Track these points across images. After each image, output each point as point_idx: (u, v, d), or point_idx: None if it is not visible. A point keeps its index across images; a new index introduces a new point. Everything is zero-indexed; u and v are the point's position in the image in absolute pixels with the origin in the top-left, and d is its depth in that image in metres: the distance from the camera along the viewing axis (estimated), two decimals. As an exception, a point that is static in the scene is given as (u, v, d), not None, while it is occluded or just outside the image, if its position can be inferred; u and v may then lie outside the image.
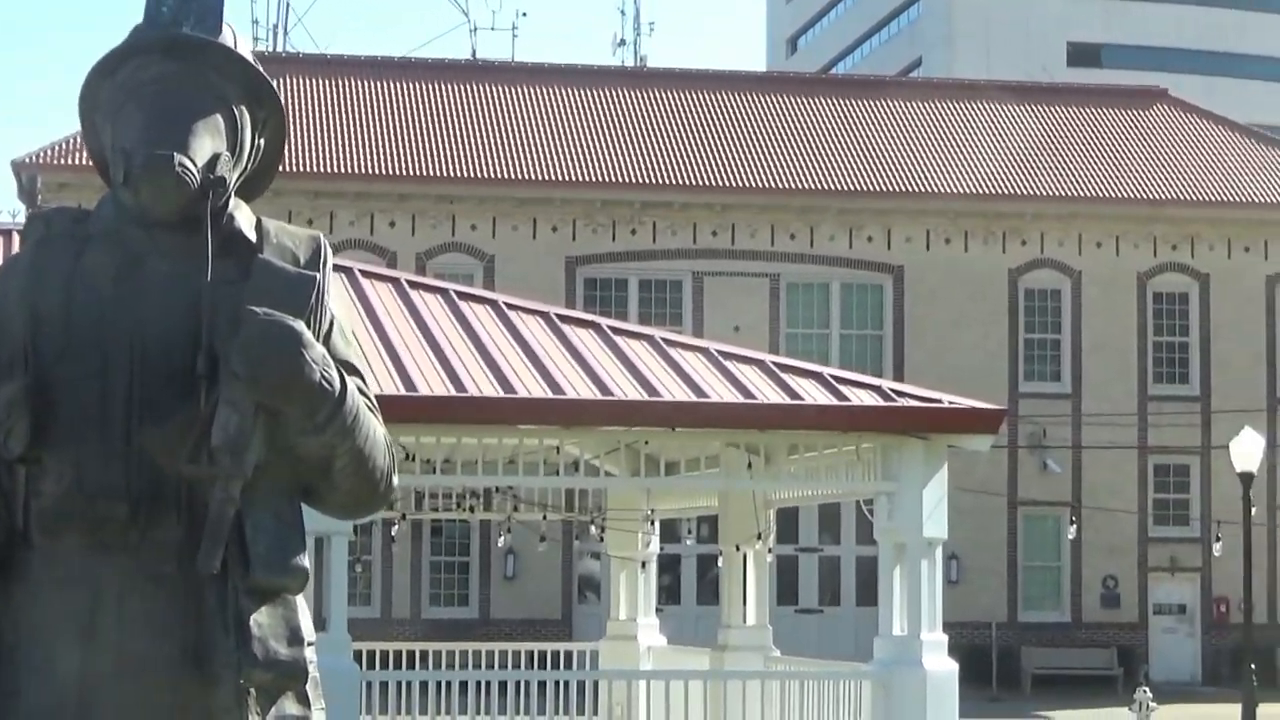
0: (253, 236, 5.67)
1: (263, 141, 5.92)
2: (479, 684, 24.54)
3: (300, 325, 5.41)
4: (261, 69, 5.86)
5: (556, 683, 27.53)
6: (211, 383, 5.37)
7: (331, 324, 5.68)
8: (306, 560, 5.68)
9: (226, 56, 5.77)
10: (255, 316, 5.36)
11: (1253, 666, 42.23)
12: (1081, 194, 62.61)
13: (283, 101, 5.89)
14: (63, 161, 55.34)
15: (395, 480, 5.79)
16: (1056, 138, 65.94)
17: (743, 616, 27.78)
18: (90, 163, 5.86)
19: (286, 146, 5.79)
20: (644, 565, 30.87)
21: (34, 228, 5.75)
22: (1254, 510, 45.76)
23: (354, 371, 5.61)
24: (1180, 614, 62.91)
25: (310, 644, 5.68)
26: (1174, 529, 62.68)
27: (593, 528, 33.83)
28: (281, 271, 5.60)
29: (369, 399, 5.63)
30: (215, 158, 5.60)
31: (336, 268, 22.07)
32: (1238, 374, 62.60)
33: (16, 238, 23.49)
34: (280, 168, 5.95)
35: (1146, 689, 44.22)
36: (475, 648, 31.51)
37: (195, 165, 5.49)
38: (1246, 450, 43.30)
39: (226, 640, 5.45)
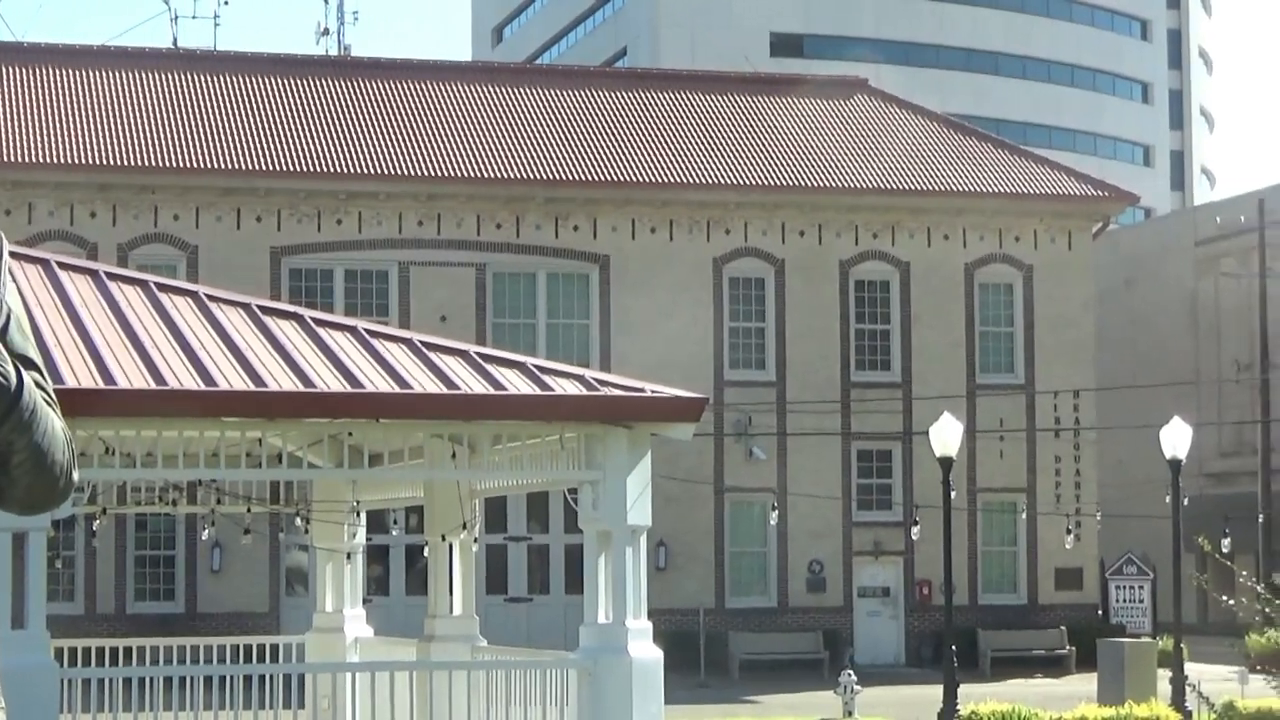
0: (-75, 230, 5.58)
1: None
2: (184, 679, 24.28)
3: (-30, 323, 5.35)
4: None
5: (262, 677, 27.39)
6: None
7: (8, 318, 5.60)
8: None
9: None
10: (-75, 311, 5.29)
11: (953, 648, 42.85)
12: (784, 183, 63.23)
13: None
14: None
15: (75, 475, 5.70)
16: (759, 127, 66.52)
17: (450, 607, 27.80)
18: None
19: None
20: (350, 557, 30.77)
21: None
22: (953, 494, 46.46)
23: (31, 365, 5.52)
24: (884, 597, 63.80)
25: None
26: (877, 513, 63.57)
27: (298, 520, 33.71)
28: (-49, 263, 5.52)
29: (47, 393, 5.55)
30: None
31: (34, 259, 21.81)
32: (937, 360, 63.63)
33: None
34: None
35: (851, 672, 44.84)
36: (181, 643, 31.18)
37: None
38: (945, 435, 43.91)
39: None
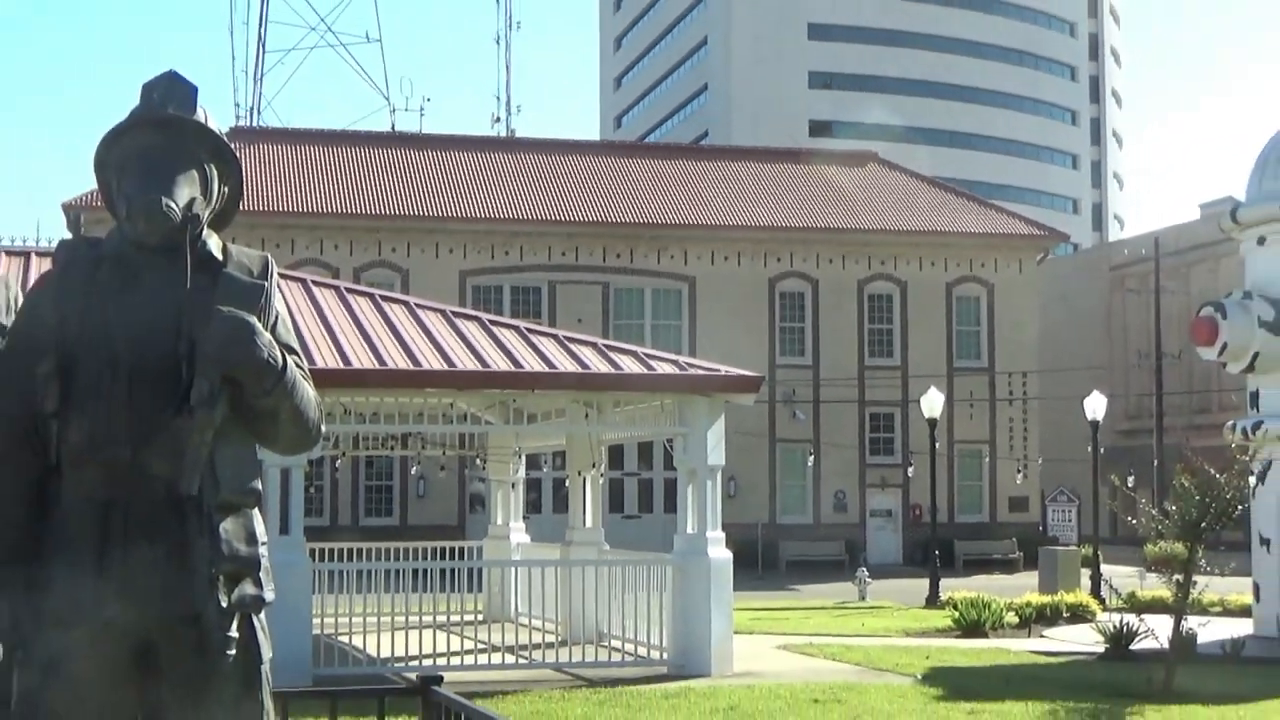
0: (220, 257, 5.68)
1: (226, 189, 5.90)
2: (398, 572, 24.46)
3: (253, 319, 5.45)
4: (224, 138, 5.84)
5: (453, 570, 27.58)
6: (190, 361, 5.38)
7: (276, 318, 5.71)
8: (260, 485, 5.69)
9: (199, 129, 5.76)
10: (221, 313, 5.40)
11: (936, 552, 42.74)
12: (818, 226, 62.91)
13: (245, 160, 5.90)
14: (99, 204, 54.33)
15: (323, 428, 5.81)
16: (801, 186, 66.30)
17: (583, 521, 27.87)
18: (105, 206, 5.83)
19: (255, 191, 5.77)
20: (514, 486, 30.92)
21: (61, 253, 5.78)
22: (937, 445, 46.30)
23: (293, 352, 5.64)
24: (887, 516, 63.48)
25: (263, 543, 5.67)
26: (883, 458, 63.25)
27: (478, 460, 33.83)
28: (240, 281, 5.62)
29: (303, 371, 5.65)
30: (192, 200, 5.61)
31: (295, 279, 21.82)
32: (926, 351, 63.23)
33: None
34: (253, 207, 5.96)
35: (865, 569, 44.72)
36: (396, 546, 31.31)
37: (177, 206, 5.50)
38: (932, 403, 43.75)
39: (201, 541, 5.44)
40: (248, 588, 5.58)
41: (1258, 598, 27.96)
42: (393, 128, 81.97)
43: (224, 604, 5.49)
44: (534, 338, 23.57)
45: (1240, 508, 21.79)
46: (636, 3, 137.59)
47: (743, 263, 62.35)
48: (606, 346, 23.79)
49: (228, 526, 5.53)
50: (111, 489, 5.39)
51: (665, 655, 22.00)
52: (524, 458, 31.71)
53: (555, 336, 24.02)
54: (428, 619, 24.87)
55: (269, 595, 5.65)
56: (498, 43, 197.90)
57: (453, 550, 32.03)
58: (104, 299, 5.54)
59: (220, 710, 5.45)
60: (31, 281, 5.97)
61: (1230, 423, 28.43)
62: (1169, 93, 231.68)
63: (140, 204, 5.52)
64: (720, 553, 22.21)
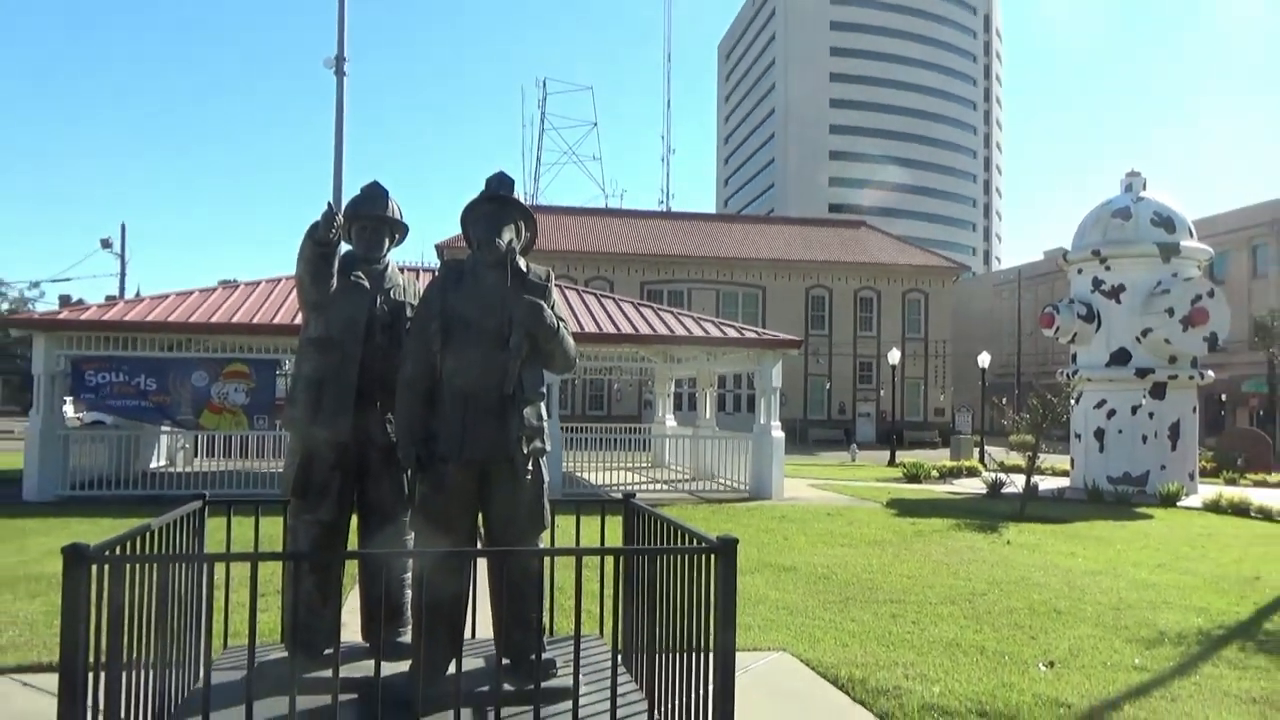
0: (525, 270, 5.69)
1: (528, 234, 5.92)
2: (603, 439, 24.53)
3: (542, 303, 5.45)
4: (527, 207, 5.87)
5: (633, 440, 27.59)
6: (509, 325, 5.41)
7: (554, 302, 5.70)
8: (544, 389, 5.72)
9: (515, 202, 5.79)
10: (526, 299, 5.41)
11: (894, 437, 41.91)
12: (833, 259, 61.80)
13: (536, 220, 5.91)
14: (460, 243, 55.16)
15: (576, 361, 5.82)
16: (823, 238, 65.15)
17: (705, 415, 27.76)
18: (464, 243, 5.88)
19: (537, 238, 5.80)
20: (668, 396, 30.83)
21: (443, 268, 5.83)
22: (896, 378, 45.30)
23: (563, 320, 5.64)
24: (868, 416, 62.35)
25: (546, 420, 5.72)
26: (865, 385, 62.13)
27: (649, 382, 33.69)
28: (535, 283, 5.64)
29: (567, 329, 5.66)
30: (511, 240, 5.63)
31: (557, 287, 21.32)
32: (891, 328, 61.91)
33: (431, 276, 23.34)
34: (536, 247, 5.97)
35: (855, 445, 44.02)
36: (602, 425, 31.41)
37: (503, 243, 5.53)
38: (894, 356, 42.81)
39: (515, 419, 5.48)
40: (538, 443, 5.63)
41: (1072, 466, 27.10)
42: (605, 205, 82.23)
43: (525, 451, 5.55)
44: (681, 317, 23.47)
45: (1065, 416, 21.15)
46: (735, 140, 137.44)
47: (791, 279, 61.49)
48: (719, 322, 23.63)
49: (527, 411, 5.58)
50: (468, 390, 5.47)
51: (746, 488, 21.90)
52: (674, 380, 31.61)
53: (692, 316, 23.89)
54: (623, 464, 25.00)
55: (548, 447, 5.71)
56: (662, 160, 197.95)
57: (635, 428, 32.13)
58: (465, 292, 5.60)
59: (524, 507, 5.53)
60: (424, 284, 6.07)
61: (1060, 370, 27.54)
62: (1025, 186, 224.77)
63: (484, 242, 5.57)
64: (777, 434, 21.96)
